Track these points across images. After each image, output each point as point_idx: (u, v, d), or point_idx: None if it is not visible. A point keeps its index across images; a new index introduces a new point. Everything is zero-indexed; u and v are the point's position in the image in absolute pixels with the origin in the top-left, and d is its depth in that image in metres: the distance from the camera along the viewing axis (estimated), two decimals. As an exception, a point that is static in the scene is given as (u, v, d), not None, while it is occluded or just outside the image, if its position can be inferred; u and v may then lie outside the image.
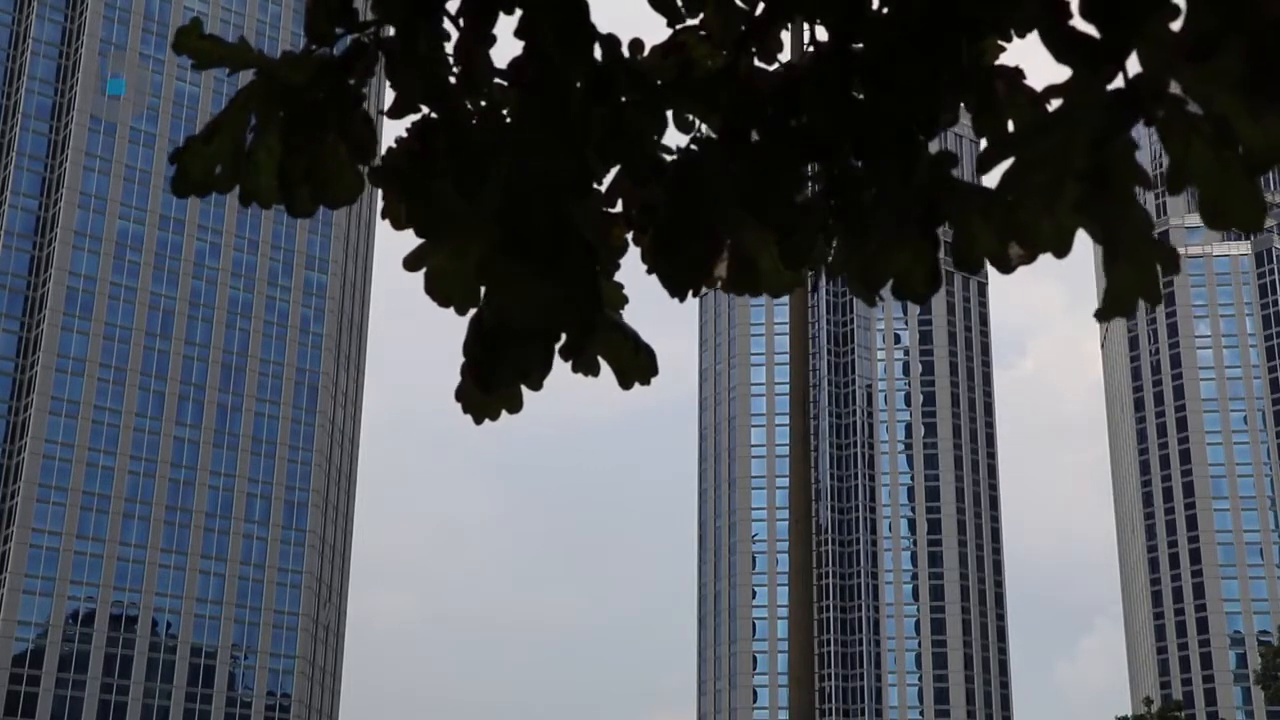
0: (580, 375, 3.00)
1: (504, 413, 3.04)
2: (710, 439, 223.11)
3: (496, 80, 2.92)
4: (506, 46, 2.95)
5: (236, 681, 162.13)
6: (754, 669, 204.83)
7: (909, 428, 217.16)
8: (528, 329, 2.86)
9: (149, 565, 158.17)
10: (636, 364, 3.00)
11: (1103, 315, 2.52)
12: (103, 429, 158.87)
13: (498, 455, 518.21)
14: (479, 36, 2.92)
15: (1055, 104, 2.50)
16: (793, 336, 17.57)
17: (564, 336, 2.89)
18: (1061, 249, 2.50)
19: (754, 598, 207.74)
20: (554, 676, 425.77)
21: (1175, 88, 2.37)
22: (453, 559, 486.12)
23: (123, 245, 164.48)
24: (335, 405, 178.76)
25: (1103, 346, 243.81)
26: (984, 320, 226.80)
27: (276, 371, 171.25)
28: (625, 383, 3.02)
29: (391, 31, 2.91)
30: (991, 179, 2.55)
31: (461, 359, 2.87)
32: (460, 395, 2.99)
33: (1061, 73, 2.52)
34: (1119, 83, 2.42)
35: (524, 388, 3.00)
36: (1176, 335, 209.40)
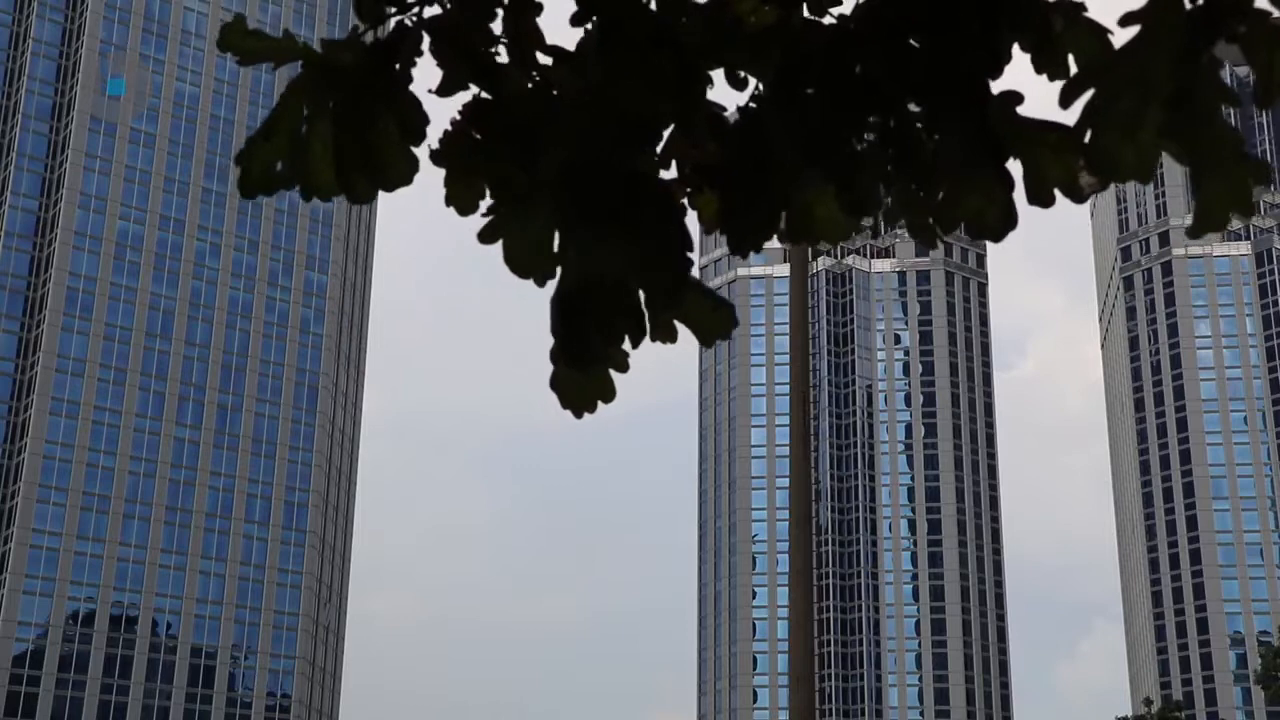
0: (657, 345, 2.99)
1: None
2: (710, 439, 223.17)
3: (544, 56, 2.95)
4: (554, 11, 3.00)
5: (236, 682, 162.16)
6: (754, 669, 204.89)
7: (909, 428, 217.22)
8: (614, 288, 2.85)
9: (149, 566, 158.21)
10: (717, 320, 2.98)
11: (1195, 231, 2.52)
12: (103, 429, 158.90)
13: (498, 455, 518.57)
14: (527, 4, 2.94)
15: (1128, 33, 2.49)
16: (793, 336, 17.58)
17: (649, 294, 2.90)
18: (1145, 175, 2.50)
19: (754, 598, 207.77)
20: (554, 676, 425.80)
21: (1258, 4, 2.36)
22: (453, 559, 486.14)
23: (123, 245, 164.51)
24: (335, 405, 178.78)
25: (1103, 347, 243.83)
26: (984, 320, 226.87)
27: (276, 372, 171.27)
28: (707, 340, 3.00)
29: (434, 10, 2.93)
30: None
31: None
32: (555, 384, 2.98)
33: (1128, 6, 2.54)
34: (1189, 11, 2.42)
35: (614, 374, 2.99)
36: (1176, 336, 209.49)
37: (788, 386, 33.53)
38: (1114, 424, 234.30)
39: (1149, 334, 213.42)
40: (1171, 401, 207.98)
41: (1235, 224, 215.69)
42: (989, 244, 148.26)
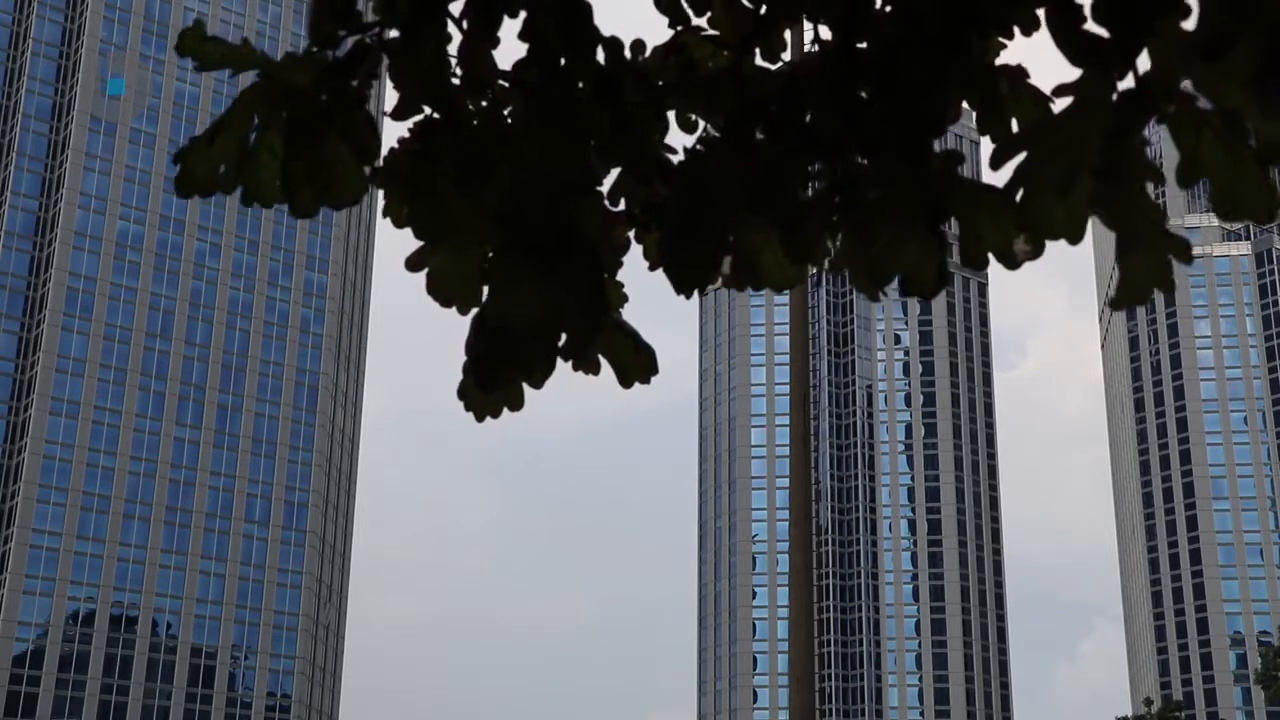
0: (581, 375, 3.02)
1: (505, 412, 3.05)
2: (710, 439, 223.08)
3: (500, 82, 2.95)
4: (510, 48, 2.98)
5: (236, 682, 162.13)
6: (754, 669, 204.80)
7: (909, 428, 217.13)
8: (530, 330, 2.88)
9: (149, 566, 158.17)
10: (637, 363, 3.01)
11: (1117, 304, 2.58)
12: (103, 429, 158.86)
13: (498, 455, 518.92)
14: (483, 38, 2.94)
15: (1064, 102, 2.54)
16: (793, 337, 17.58)
17: (565, 337, 2.92)
18: (1075, 236, 2.55)
19: (754, 598, 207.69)
20: (554, 677, 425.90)
21: (1184, 85, 2.43)
22: (453, 559, 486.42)
23: (123, 245, 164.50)
24: (335, 405, 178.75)
25: (1103, 347, 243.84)
26: (984, 320, 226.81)
27: (276, 372, 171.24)
28: (626, 382, 3.02)
29: (394, 33, 2.91)
30: (1000, 178, 2.63)
31: (463, 359, 3.04)
32: (462, 393, 3.00)
33: (1067, 72, 2.59)
34: (1128, 82, 2.48)
35: (525, 385, 3.02)
36: (1176, 336, 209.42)
37: (788, 386, 33.53)
38: (1114, 424, 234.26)
39: (1149, 334, 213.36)
40: (1171, 401, 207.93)
41: (1235, 224, 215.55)
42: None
